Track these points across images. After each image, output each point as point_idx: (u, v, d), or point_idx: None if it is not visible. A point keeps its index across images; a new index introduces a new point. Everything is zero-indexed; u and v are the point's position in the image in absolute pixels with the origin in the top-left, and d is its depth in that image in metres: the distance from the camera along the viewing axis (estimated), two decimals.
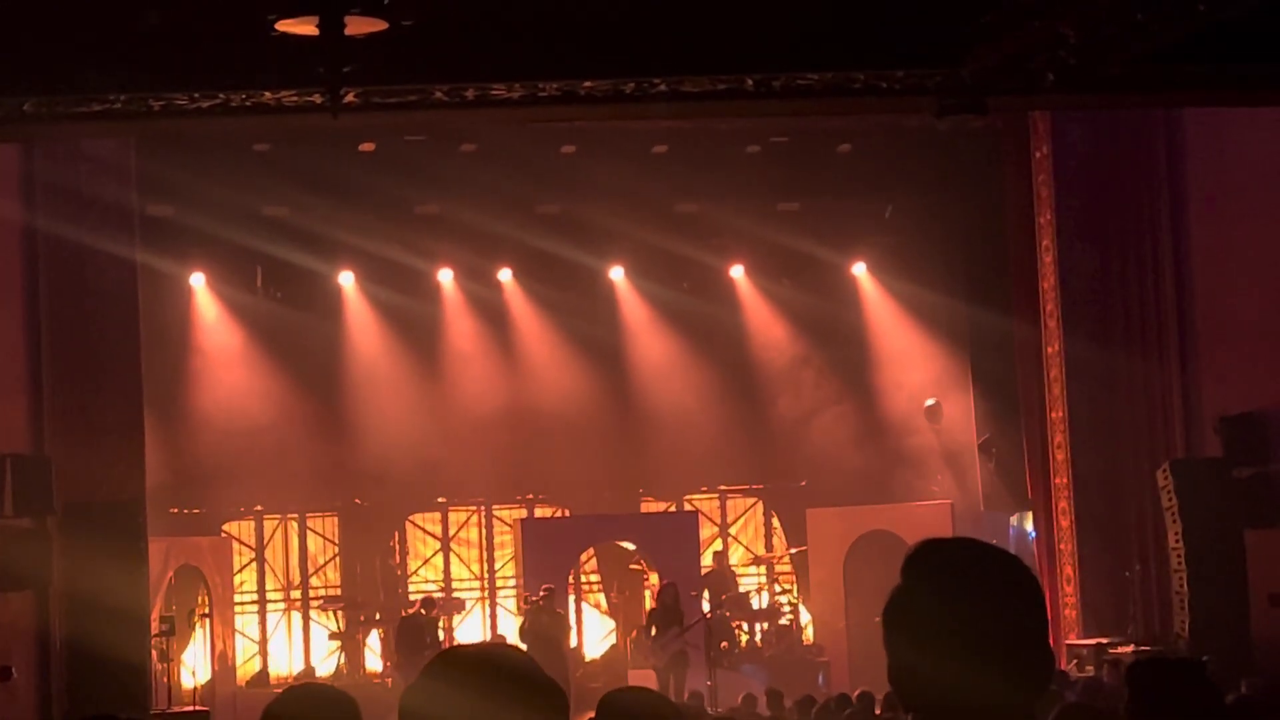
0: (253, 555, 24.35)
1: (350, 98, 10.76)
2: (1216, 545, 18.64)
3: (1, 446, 17.56)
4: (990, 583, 2.90)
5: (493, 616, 24.82)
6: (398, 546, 24.81)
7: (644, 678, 20.68)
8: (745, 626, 23.69)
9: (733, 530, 25.77)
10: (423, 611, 21.84)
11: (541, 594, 21.33)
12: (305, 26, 9.29)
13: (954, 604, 2.87)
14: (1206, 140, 19.73)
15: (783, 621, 23.84)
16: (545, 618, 21.10)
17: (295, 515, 24.58)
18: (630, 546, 24.07)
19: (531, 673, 3.16)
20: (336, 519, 24.61)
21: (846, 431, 24.72)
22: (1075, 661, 18.75)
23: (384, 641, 22.94)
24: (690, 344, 24.61)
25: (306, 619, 24.32)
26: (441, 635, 22.11)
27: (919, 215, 23.68)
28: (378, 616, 23.20)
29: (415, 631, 21.34)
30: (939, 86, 11.79)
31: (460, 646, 3.36)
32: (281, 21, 9.33)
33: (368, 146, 21.70)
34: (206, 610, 21.62)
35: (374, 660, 23.24)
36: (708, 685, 19.96)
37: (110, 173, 18.93)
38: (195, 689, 20.45)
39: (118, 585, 17.62)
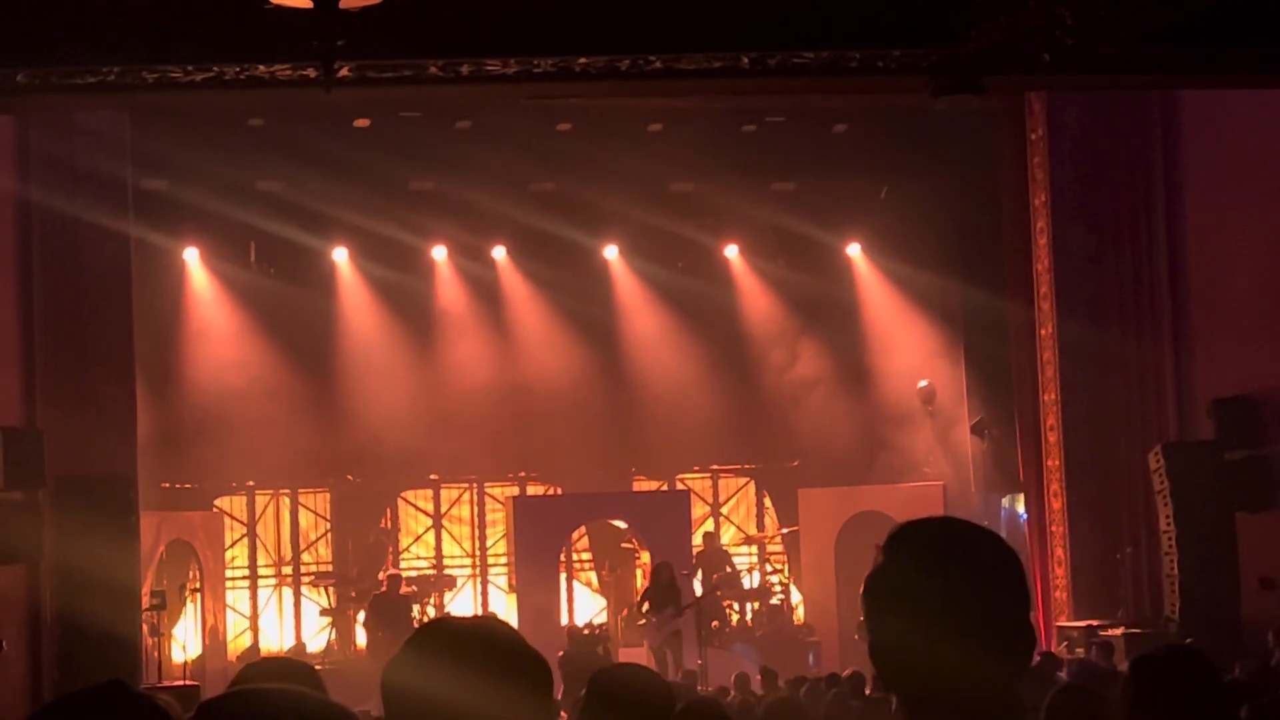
0: (244, 530, 24.35)
1: (344, 72, 10.72)
2: (1208, 528, 18.66)
3: None
4: (971, 561, 2.89)
5: (484, 594, 24.84)
6: (390, 523, 24.81)
7: (635, 656, 20.66)
8: (736, 606, 23.71)
9: (724, 510, 25.78)
10: (384, 589, 21.78)
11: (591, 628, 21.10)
12: None
13: (934, 582, 2.85)
14: (1202, 122, 19.71)
15: (774, 601, 23.86)
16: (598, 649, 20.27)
17: (287, 491, 24.57)
18: (622, 525, 24.08)
19: (518, 646, 3.14)
20: (328, 495, 24.61)
21: (839, 412, 24.71)
22: (1065, 643, 18.76)
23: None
24: (684, 323, 24.60)
25: (298, 595, 24.33)
26: (416, 614, 22.00)
27: (914, 196, 23.62)
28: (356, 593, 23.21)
29: (385, 610, 21.36)
30: (935, 66, 11.76)
31: (444, 619, 3.33)
32: None
33: (362, 122, 21.66)
34: (198, 585, 21.63)
35: (364, 636, 23.25)
36: (699, 664, 19.97)
37: (105, 146, 18.89)
38: (185, 664, 20.45)
39: (109, 559, 17.59)
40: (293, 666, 4.53)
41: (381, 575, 22.66)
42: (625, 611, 23.24)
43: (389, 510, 24.81)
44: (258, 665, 4.59)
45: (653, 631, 20.90)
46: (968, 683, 2.83)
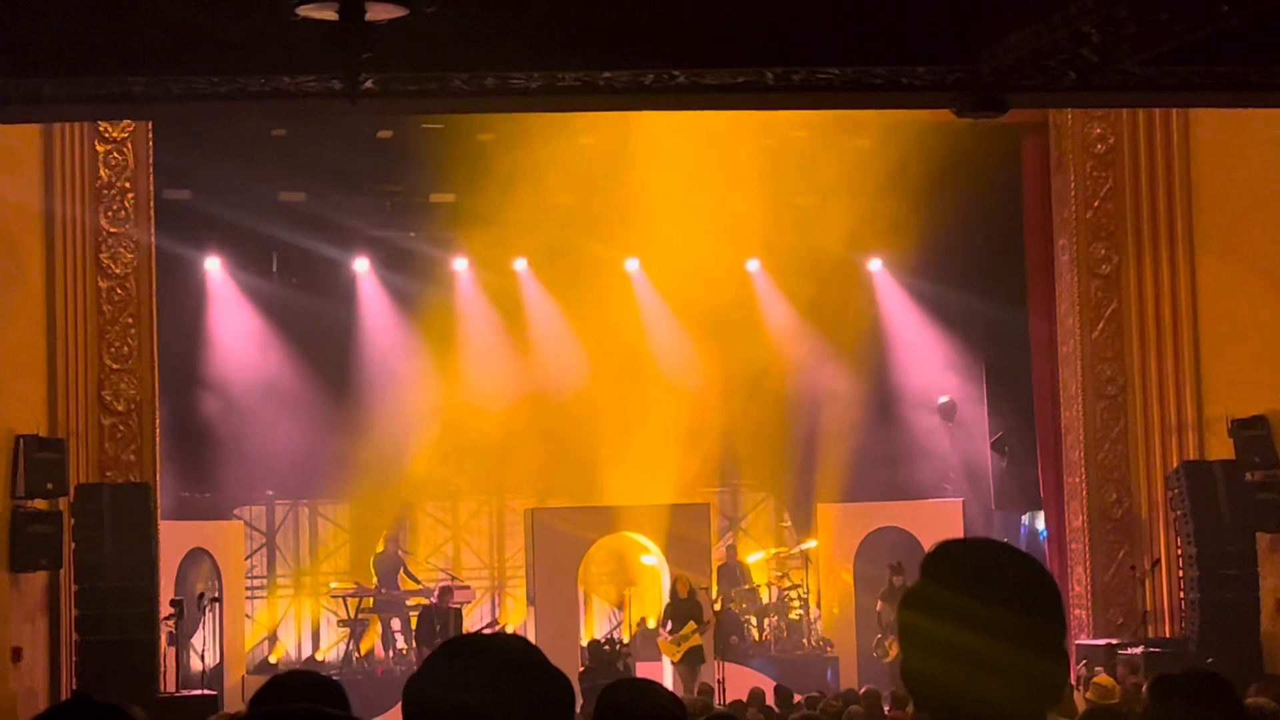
0: (263, 540, 24.37)
1: (369, 84, 10.73)
2: (1227, 548, 18.63)
3: (16, 427, 17.62)
4: (1009, 585, 2.90)
5: (501, 606, 24.83)
6: (407, 534, 24.82)
7: (652, 670, 20.67)
8: (755, 621, 23.68)
9: (744, 524, 25.74)
10: (435, 602, 21.82)
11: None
12: (326, 12, 9.26)
13: (972, 604, 2.86)
14: (1222, 140, 19.70)
15: (792, 616, 23.81)
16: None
17: (307, 501, 24.59)
18: (641, 539, 24.04)
19: (541, 664, 3.14)
20: (347, 505, 24.63)
21: (859, 427, 24.65)
22: (1084, 661, 18.72)
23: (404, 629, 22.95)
24: (704, 337, 24.54)
25: (316, 605, 24.34)
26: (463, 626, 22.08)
27: (936, 211, 23.56)
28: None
29: (436, 622, 21.38)
30: (959, 83, 11.74)
31: (466, 635, 3.33)
32: (302, 6, 9.30)
33: (385, 134, 21.69)
34: (216, 594, 21.64)
35: (382, 647, 23.26)
36: (717, 680, 19.95)
37: (127, 156, 18.96)
38: (203, 673, 20.48)
39: (128, 567, 17.67)
40: (316, 681, 4.51)
41: (432, 586, 22.72)
42: (638, 624, 23.24)
43: (408, 522, 24.81)
44: (281, 680, 4.55)
45: (672, 648, 20.93)
46: (997, 707, 2.83)
